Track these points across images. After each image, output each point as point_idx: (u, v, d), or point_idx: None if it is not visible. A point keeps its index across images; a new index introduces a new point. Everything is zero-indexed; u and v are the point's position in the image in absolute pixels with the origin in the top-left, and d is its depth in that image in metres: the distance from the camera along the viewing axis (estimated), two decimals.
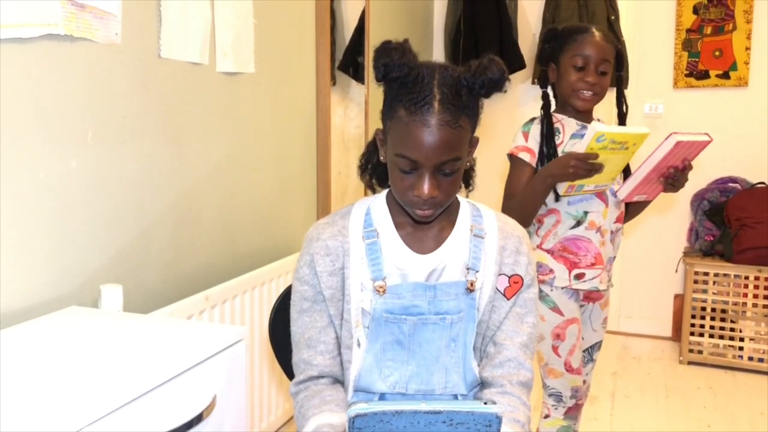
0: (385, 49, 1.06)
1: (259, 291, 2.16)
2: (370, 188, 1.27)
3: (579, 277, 1.81)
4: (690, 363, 3.31)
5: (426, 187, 1.06)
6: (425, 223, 1.17)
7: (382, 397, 1.18)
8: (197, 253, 1.99)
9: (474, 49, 3.59)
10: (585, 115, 1.85)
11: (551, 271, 1.81)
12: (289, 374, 1.29)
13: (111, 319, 1.42)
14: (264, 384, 2.23)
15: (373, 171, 1.25)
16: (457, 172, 1.09)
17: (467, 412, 0.80)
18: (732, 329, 3.24)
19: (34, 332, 1.29)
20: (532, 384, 1.19)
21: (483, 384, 1.19)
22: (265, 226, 2.37)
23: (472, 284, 1.16)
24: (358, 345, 1.17)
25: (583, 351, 1.95)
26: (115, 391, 1.03)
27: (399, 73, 1.05)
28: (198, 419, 1.17)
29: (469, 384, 1.19)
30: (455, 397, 1.19)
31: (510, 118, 3.78)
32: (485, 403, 0.81)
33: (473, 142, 1.13)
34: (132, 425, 1.04)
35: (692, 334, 3.31)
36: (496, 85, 1.07)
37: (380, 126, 1.16)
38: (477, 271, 1.17)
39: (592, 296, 1.89)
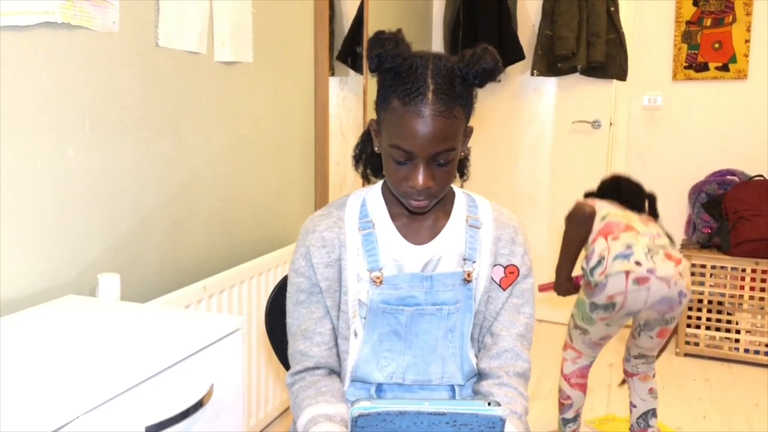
0: (379, 39, 1.05)
1: (257, 281, 2.17)
2: (365, 179, 1.27)
3: None
4: (686, 355, 3.32)
5: (420, 177, 1.06)
6: (420, 213, 1.17)
7: (379, 387, 1.19)
8: (195, 243, 2.00)
9: (473, 40, 3.56)
10: None
11: None
12: (285, 364, 1.29)
13: (108, 308, 1.42)
14: (261, 373, 2.24)
15: (367, 161, 1.25)
16: (451, 163, 1.08)
17: (471, 414, 0.80)
18: (728, 321, 3.25)
19: (32, 321, 1.29)
20: (530, 375, 1.19)
21: (480, 375, 1.20)
22: (263, 216, 2.37)
23: (469, 275, 1.16)
24: (355, 336, 1.17)
25: None
26: (112, 379, 1.03)
27: (392, 64, 1.04)
28: (195, 408, 1.17)
29: (466, 374, 1.20)
30: (452, 387, 1.20)
31: (508, 109, 3.78)
32: (489, 404, 0.81)
33: (468, 132, 1.13)
34: (129, 413, 1.05)
35: (689, 326, 3.31)
36: (490, 75, 1.06)
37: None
38: (474, 262, 1.17)
39: None
